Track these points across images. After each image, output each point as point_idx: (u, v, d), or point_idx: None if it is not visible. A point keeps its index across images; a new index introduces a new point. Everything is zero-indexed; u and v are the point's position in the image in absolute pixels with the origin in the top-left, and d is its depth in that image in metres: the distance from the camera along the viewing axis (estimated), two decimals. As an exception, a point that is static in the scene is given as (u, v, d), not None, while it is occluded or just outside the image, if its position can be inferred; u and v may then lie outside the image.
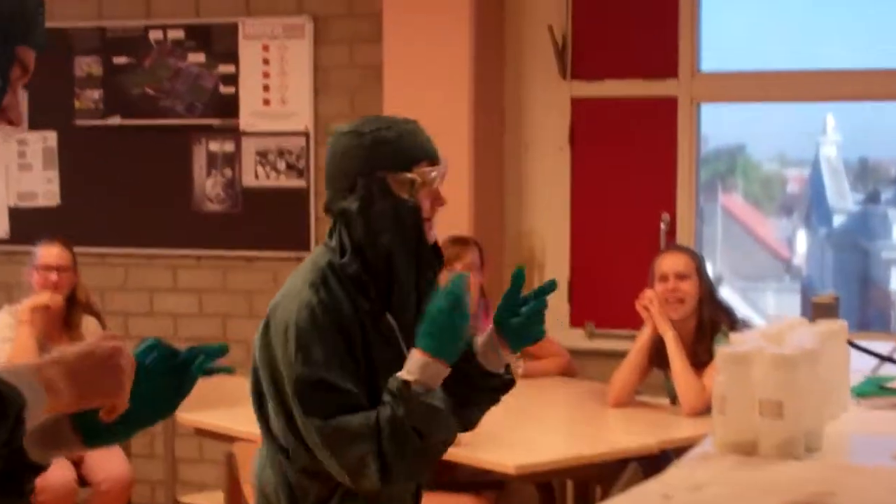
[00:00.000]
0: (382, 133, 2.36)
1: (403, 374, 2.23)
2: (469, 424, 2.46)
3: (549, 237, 5.44)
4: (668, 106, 5.28)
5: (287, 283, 2.40)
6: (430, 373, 2.22)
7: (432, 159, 2.40)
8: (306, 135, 5.60)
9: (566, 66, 5.37)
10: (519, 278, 2.33)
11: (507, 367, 2.41)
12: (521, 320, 2.34)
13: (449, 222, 4.95)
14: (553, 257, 5.43)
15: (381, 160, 2.35)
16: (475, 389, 2.37)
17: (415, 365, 2.23)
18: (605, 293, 5.33)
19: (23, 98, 1.56)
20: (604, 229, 5.37)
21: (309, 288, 2.31)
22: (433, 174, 2.39)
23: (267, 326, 2.35)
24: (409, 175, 2.36)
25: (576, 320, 5.40)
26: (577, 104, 5.40)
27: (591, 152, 5.40)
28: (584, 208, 5.40)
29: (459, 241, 4.77)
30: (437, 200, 2.43)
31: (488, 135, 5.31)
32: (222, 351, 1.63)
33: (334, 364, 2.24)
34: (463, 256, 4.71)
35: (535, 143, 5.44)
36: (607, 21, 5.36)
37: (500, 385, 2.40)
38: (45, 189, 5.96)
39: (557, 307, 5.42)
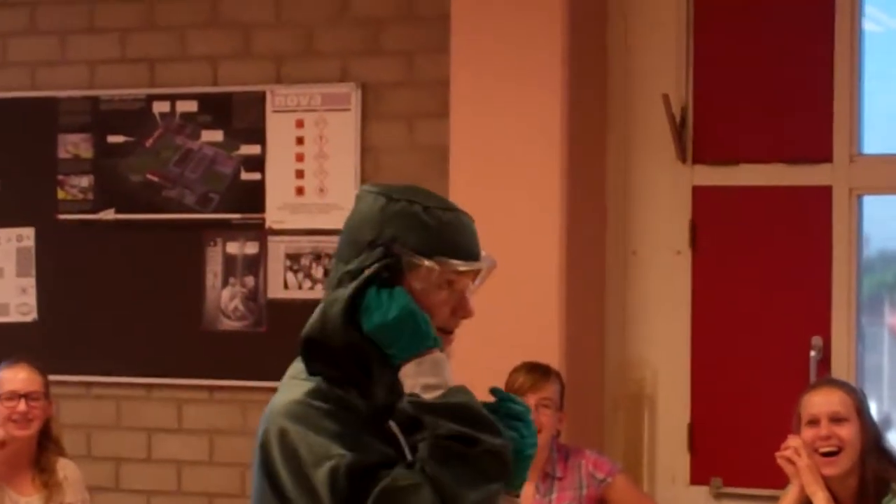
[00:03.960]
0: (415, 207, 2.49)
1: (408, 391, 2.39)
2: None
3: (662, 368, 5.46)
4: (819, 198, 5.33)
5: None
6: (426, 371, 2.39)
7: (469, 257, 2.51)
8: (350, 233, 5.70)
9: (686, 147, 5.45)
10: None
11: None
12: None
13: (532, 347, 5.02)
14: (668, 394, 5.45)
15: (403, 233, 2.47)
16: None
17: (406, 376, 2.39)
18: (737, 441, 5.33)
19: None
20: (734, 357, 5.38)
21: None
22: (463, 269, 2.49)
23: None
24: (428, 263, 2.46)
25: (698, 476, 5.39)
26: (701, 195, 5.46)
27: (719, 257, 5.45)
28: (708, 330, 5.43)
29: (537, 370, 4.85)
30: (464, 309, 2.52)
31: (585, 236, 5.39)
32: None
33: None
34: (539, 388, 4.79)
35: (646, 245, 5.50)
36: (738, 90, 5.45)
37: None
38: (18, 301, 6.14)
39: (674, 459, 5.42)
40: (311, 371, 2.46)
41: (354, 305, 2.41)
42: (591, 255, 5.45)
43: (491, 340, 5.13)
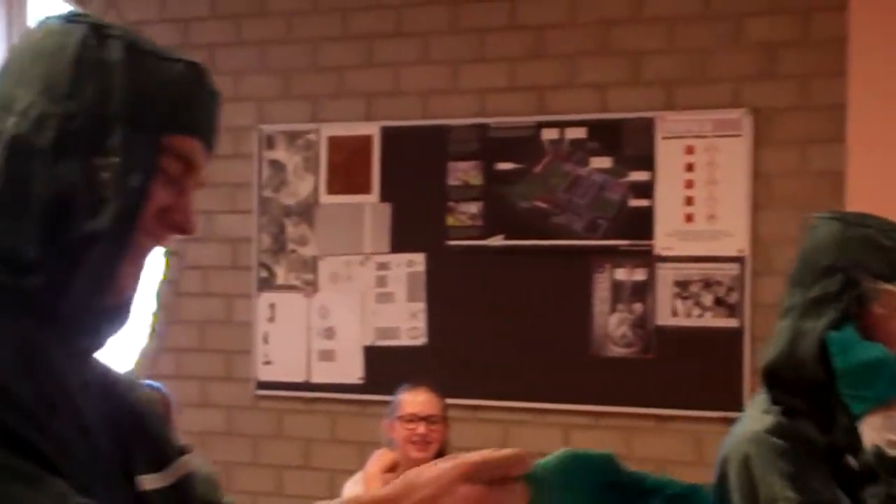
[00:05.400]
0: (870, 231, 2.56)
1: (869, 442, 2.43)
2: None
3: None
4: None
5: None
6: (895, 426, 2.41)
7: None
8: (740, 260, 5.81)
9: None
10: None
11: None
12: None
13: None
14: None
15: (862, 258, 2.52)
16: None
17: (871, 428, 2.42)
18: None
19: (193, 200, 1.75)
20: None
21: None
22: None
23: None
24: (891, 287, 2.52)
25: None
26: None
27: None
28: None
29: None
30: None
31: None
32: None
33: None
34: None
35: None
36: None
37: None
38: (409, 325, 6.44)
39: None
40: (775, 399, 2.53)
41: (826, 341, 2.45)
42: None
43: None
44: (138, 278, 1.74)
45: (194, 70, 1.72)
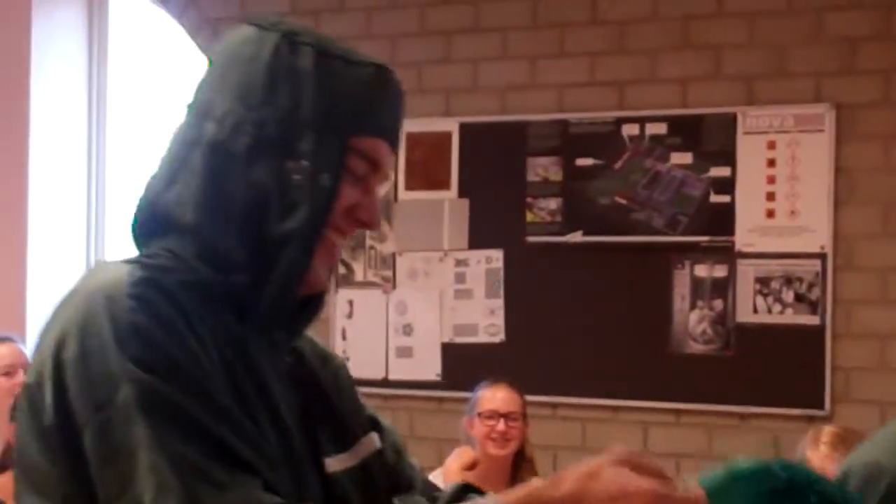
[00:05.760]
0: None
1: None
2: None
3: None
4: None
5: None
6: None
7: None
8: (822, 257, 5.81)
9: None
10: None
11: None
12: None
13: None
14: None
15: None
16: None
17: None
18: None
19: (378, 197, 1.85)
20: None
21: None
22: None
23: None
24: None
25: None
26: None
27: None
28: None
29: None
30: None
31: None
32: None
33: None
34: None
35: None
36: None
37: None
38: (486, 322, 6.47)
39: None
40: None
41: None
42: None
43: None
44: (329, 270, 1.86)
45: (381, 72, 1.83)
